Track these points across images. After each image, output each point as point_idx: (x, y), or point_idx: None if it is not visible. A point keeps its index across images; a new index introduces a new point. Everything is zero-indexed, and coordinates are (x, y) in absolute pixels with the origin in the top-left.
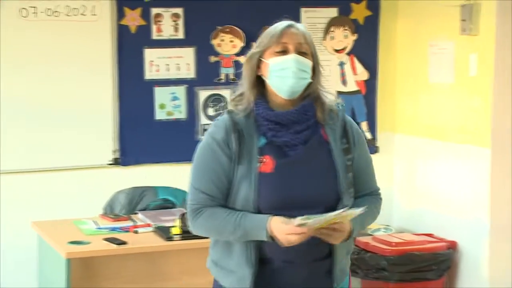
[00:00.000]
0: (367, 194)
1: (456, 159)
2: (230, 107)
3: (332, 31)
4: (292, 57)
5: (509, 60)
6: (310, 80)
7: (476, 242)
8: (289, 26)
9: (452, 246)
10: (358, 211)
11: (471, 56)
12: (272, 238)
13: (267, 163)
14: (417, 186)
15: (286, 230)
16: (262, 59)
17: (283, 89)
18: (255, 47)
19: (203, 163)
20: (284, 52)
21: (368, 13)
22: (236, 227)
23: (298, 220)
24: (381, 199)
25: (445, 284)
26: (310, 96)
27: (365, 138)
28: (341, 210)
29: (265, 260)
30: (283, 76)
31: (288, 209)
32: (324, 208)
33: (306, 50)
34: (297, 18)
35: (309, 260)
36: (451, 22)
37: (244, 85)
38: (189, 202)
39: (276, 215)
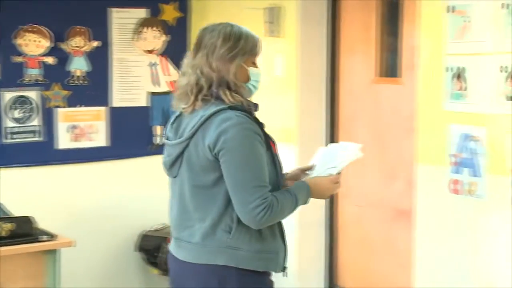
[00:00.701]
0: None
1: None
2: (227, 103)
3: (143, 32)
4: (259, 71)
5: (309, 61)
6: None
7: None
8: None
9: None
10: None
11: (277, 56)
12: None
13: (273, 145)
14: None
15: (332, 179)
16: (242, 64)
17: (249, 96)
18: (241, 51)
19: (260, 157)
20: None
21: (179, 14)
22: (295, 200)
23: (335, 169)
24: None
25: None
26: None
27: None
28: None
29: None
30: (256, 86)
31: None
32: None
33: None
34: (105, 19)
35: None
36: (258, 24)
37: (234, 83)
38: (258, 200)
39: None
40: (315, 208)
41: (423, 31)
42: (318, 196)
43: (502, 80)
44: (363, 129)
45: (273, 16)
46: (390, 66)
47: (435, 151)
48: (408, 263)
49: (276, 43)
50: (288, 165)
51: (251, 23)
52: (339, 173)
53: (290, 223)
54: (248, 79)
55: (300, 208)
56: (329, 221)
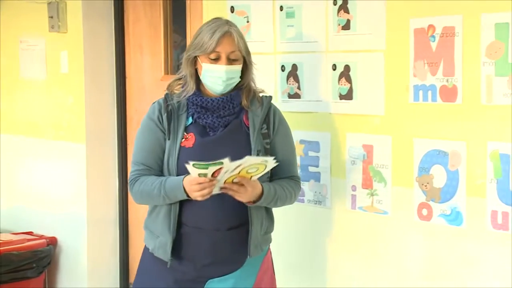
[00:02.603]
0: (286, 178)
1: (53, 156)
2: (167, 90)
3: None
4: (223, 68)
5: (97, 58)
6: (238, 80)
7: (74, 236)
8: (225, 35)
9: (52, 242)
10: (260, 159)
11: (62, 53)
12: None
13: (189, 139)
14: (17, 184)
15: (191, 181)
16: (198, 58)
17: (213, 90)
18: (191, 43)
19: (141, 138)
20: (216, 59)
21: None
22: (161, 188)
23: (192, 168)
24: (299, 184)
25: (46, 280)
26: (240, 87)
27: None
28: (243, 159)
29: (180, 225)
30: (214, 82)
31: None
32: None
33: (236, 57)
34: None
35: (220, 227)
36: (41, 19)
37: (186, 76)
38: (130, 174)
39: None
40: (107, 204)
41: None
42: (188, 192)
43: (285, 78)
44: None
45: (56, 11)
46: (177, 64)
47: None
48: None
49: (61, 39)
50: (77, 165)
51: (36, 18)
52: (202, 175)
53: (81, 220)
54: (202, 73)
55: (91, 205)
56: (122, 217)
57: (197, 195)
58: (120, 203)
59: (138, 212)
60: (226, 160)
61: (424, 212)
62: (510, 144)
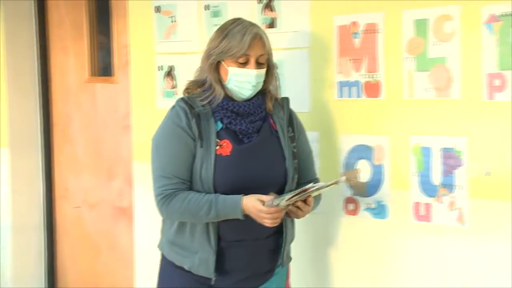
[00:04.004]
0: (309, 182)
1: None
2: (184, 94)
3: None
4: (253, 72)
5: (18, 60)
6: (263, 84)
7: None
8: (255, 37)
9: None
10: (331, 183)
11: None
12: (246, 215)
13: (225, 147)
14: None
15: (263, 210)
16: (222, 62)
17: (240, 95)
18: (215, 46)
19: (170, 148)
20: (245, 63)
21: None
22: (212, 208)
23: (271, 201)
24: None
25: None
26: (263, 91)
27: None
28: (308, 186)
29: (218, 238)
30: (242, 87)
31: (241, 191)
32: (273, 191)
33: (264, 60)
34: None
35: (259, 236)
36: None
37: (210, 80)
38: (159, 189)
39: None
40: (31, 210)
41: (133, 31)
42: (253, 217)
43: None
44: (79, 129)
45: None
46: (103, 65)
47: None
48: (131, 261)
49: None
50: (1, 169)
51: None
52: (276, 205)
53: (5, 227)
54: (228, 77)
55: (16, 211)
56: (48, 223)
57: (269, 223)
58: (46, 209)
59: (65, 218)
60: (311, 190)
61: (351, 206)
62: (432, 137)
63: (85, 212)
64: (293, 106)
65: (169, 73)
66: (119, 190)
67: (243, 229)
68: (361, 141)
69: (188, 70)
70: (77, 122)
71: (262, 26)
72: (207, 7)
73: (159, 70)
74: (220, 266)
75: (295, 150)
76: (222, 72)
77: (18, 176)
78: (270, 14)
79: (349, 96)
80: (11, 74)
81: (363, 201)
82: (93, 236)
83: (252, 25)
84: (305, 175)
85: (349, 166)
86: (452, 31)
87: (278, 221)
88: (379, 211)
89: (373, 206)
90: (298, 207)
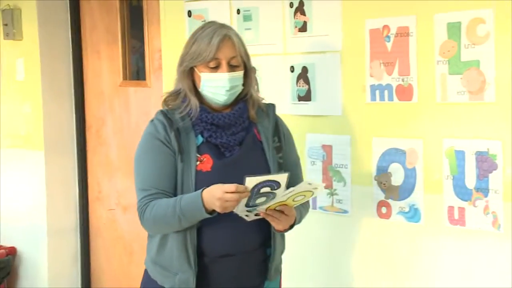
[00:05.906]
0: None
1: (11, 165)
2: (162, 106)
3: None
4: (225, 76)
5: (53, 64)
6: (241, 88)
7: (34, 246)
8: (223, 39)
9: (11, 252)
10: (312, 186)
11: (18, 60)
12: (210, 212)
13: (206, 162)
14: None
15: (224, 188)
16: (195, 68)
17: (215, 101)
18: (186, 53)
19: (148, 161)
20: (216, 67)
21: None
22: (176, 206)
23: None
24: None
25: None
26: (243, 97)
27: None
28: (292, 188)
29: (199, 255)
30: (216, 92)
31: None
32: None
33: (237, 63)
34: None
35: (247, 248)
36: None
37: (184, 90)
38: (138, 203)
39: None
40: (67, 213)
41: (166, 35)
42: (211, 204)
43: None
44: (112, 132)
45: (10, 18)
46: (136, 69)
47: None
48: None
49: (16, 47)
50: (36, 173)
51: None
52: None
53: (41, 229)
54: (202, 83)
55: (51, 214)
56: (83, 225)
57: (227, 205)
58: (81, 212)
59: (99, 220)
60: (280, 190)
61: (384, 210)
62: (465, 141)
63: (118, 215)
64: (325, 109)
65: None
66: None
67: (229, 243)
68: (393, 145)
69: None
70: (111, 125)
71: (294, 30)
72: (238, 11)
73: None
74: (203, 285)
75: (281, 161)
76: (196, 79)
77: (53, 179)
78: (301, 18)
79: (381, 100)
80: (46, 78)
81: (396, 205)
82: (127, 238)
83: (222, 26)
84: (293, 183)
85: (382, 170)
86: (485, 34)
87: (234, 204)
88: (412, 214)
89: (406, 209)
90: (281, 212)
